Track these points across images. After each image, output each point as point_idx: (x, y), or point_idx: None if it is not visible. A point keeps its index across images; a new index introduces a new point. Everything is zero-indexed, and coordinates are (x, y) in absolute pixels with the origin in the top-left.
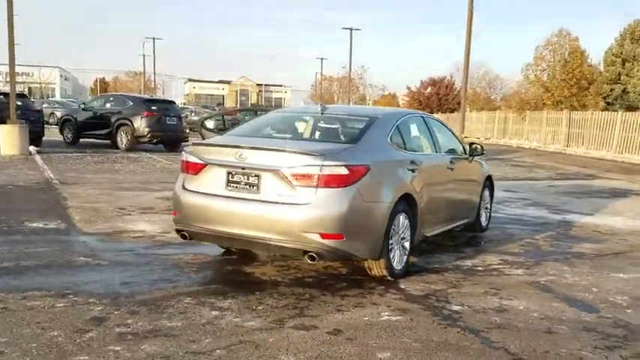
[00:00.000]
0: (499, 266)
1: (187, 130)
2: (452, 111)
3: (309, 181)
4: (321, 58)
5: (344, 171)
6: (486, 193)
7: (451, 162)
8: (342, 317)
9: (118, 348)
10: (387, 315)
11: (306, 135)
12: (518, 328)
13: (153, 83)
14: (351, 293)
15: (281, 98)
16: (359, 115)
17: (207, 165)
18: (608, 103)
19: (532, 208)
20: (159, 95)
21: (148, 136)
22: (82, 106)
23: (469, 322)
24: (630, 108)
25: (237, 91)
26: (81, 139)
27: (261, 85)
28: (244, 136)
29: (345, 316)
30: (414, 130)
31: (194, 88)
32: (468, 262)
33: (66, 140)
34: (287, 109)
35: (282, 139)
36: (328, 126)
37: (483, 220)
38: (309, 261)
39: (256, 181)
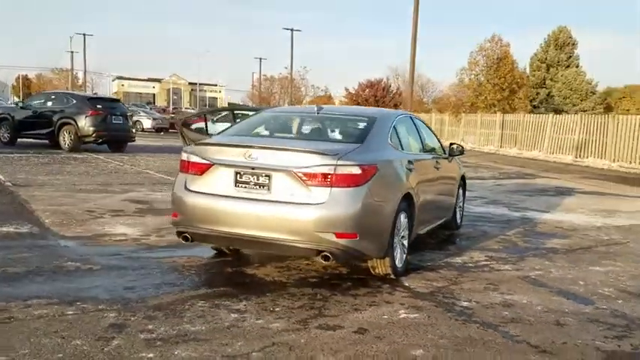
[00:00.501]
0: (487, 262)
1: (134, 130)
2: None
3: (324, 181)
4: (260, 58)
5: (357, 170)
6: (461, 191)
7: (437, 161)
8: (362, 316)
9: (151, 355)
10: (404, 313)
11: (311, 135)
12: (530, 322)
13: (80, 81)
14: (361, 292)
15: (215, 98)
16: (356, 115)
17: (213, 165)
18: (534, 106)
19: (492, 206)
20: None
21: (93, 135)
22: (21, 104)
23: (483, 318)
24: (556, 111)
25: (169, 89)
26: (19, 139)
27: (195, 84)
28: (245, 135)
29: (364, 315)
30: (407, 130)
31: (122, 85)
32: (458, 259)
33: (2, 140)
34: (281, 109)
35: (288, 139)
36: (329, 126)
37: (458, 218)
38: (323, 261)
39: (267, 181)
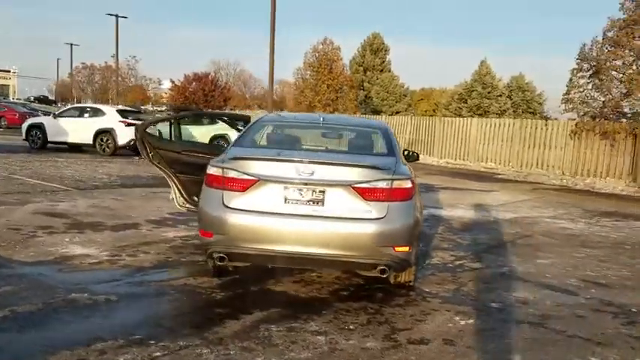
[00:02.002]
0: (458, 262)
1: None
2: (219, 108)
3: (382, 195)
4: (71, 44)
5: (409, 184)
6: None
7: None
8: (429, 327)
9: None
10: (461, 319)
11: (342, 147)
12: (560, 317)
13: None
14: (401, 302)
15: (7, 85)
16: (364, 125)
17: (259, 181)
18: (358, 107)
19: None
20: None
21: None
22: None
23: (521, 317)
24: (375, 112)
25: None
26: None
27: None
28: (271, 148)
29: (430, 325)
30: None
31: None
32: (434, 261)
33: None
34: (283, 118)
35: (321, 152)
36: (351, 137)
37: None
38: (380, 275)
39: (321, 197)
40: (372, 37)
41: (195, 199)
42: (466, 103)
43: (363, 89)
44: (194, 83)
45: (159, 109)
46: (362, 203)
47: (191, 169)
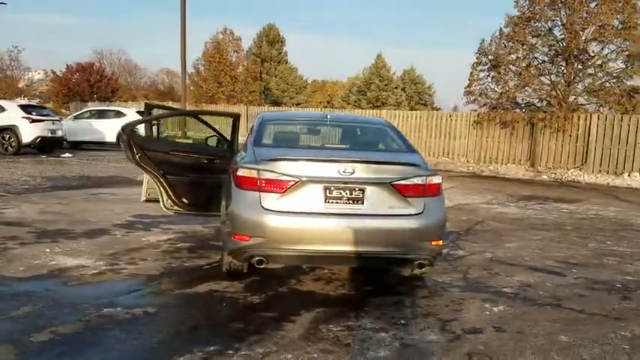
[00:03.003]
0: (451, 251)
1: None
2: (107, 100)
3: (419, 192)
4: None
5: (439, 180)
6: None
7: None
8: (470, 316)
9: None
10: (493, 307)
11: (364, 144)
12: (568, 297)
13: None
14: (425, 294)
15: None
16: (370, 122)
17: (299, 181)
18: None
19: None
20: None
21: None
22: None
23: (537, 299)
24: (275, 103)
25: None
26: None
27: None
28: (295, 147)
29: (469, 315)
30: None
31: None
32: None
33: None
34: (290, 116)
35: (346, 150)
36: (368, 134)
37: None
38: (419, 269)
39: (361, 195)
40: (268, 28)
41: (185, 200)
42: (365, 95)
43: (261, 80)
44: (77, 74)
45: (33, 102)
46: (401, 200)
47: (180, 170)
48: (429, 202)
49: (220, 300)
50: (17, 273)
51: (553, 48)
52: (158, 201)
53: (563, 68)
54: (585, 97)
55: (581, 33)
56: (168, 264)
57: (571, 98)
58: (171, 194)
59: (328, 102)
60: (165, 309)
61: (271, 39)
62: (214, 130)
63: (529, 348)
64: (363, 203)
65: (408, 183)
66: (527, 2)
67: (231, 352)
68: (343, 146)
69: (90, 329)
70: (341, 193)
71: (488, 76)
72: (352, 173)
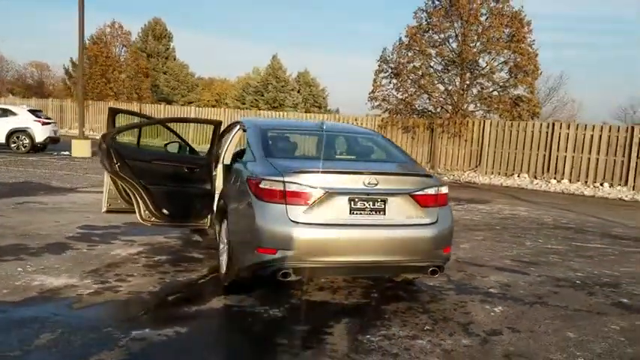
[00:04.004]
0: None
1: None
2: None
3: (433, 202)
4: None
5: (447, 190)
6: None
7: None
8: (483, 318)
9: None
10: (494, 307)
11: (370, 155)
12: (546, 295)
13: None
14: (427, 298)
15: None
16: (365, 132)
17: (325, 193)
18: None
19: None
20: None
21: None
22: None
23: (525, 298)
24: (166, 101)
25: None
26: None
27: None
28: (311, 159)
29: (481, 316)
30: None
31: None
32: None
33: None
34: (286, 124)
35: (359, 161)
36: (368, 144)
37: None
38: (431, 275)
39: (382, 206)
40: (154, 22)
41: (165, 211)
42: (263, 96)
43: (148, 77)
44: None
45: None
46: (418, 210)
47: (162, 179)
48: (441, 212)
49: (243, 315)
50: (5, 296)
51: (448, 58)
52: (120, 212)
53: (457, 77)
54: (478, 104)
55: (472, 45)
56: (161, 279)
57: (465, 105)
58: (149, 205)
59: (217, 101)
60: (195, 328)
61: (157, 34)
62: (178, 135)
63: (551, 346)
64: (385, 214)
65: (425, 193)
66: (425, 14)
67: None
68: (353, 157)
69: (139, 355)
70: (364, 204)
71: (389, 83)
72: (376, 185)
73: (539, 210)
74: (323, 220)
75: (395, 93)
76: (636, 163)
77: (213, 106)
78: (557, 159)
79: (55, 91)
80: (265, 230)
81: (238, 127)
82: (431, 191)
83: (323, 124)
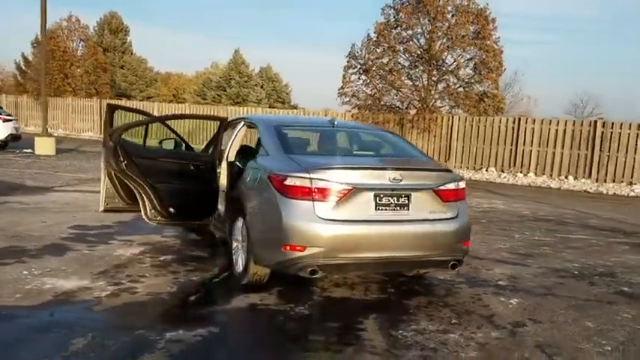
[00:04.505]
0: None
1: None
2: None
3: (453, 197)
4: None
5: (464, 184)
6: None
7: None
8: (502, 310)
9: None
10: (509, 300)
11: (389, 151)
12: (553, 286)
13: None
14: (442, 292)
15: None
16: (375, 129)
17: (352, 190)
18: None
19: None
20: None
21: None
22: None
23: (534, 289)
24: (124, 96)
25: None
26: None
27: None
28: (333, 155)
29: (500, 308)
30: None
31: None
32: None
33: None
34: (298, 121)
35: (378, 157)
36: (384, 140)
37: None
38: (452, 269)
39: (406, 202)
40: (110, 16)
41: (172, 210)
42: (225, 91)
43: (107, 71)
44: None
45: None
46: (440, 205)
47: (168, 177)
48: (461, 206)
49: (271, 313)
50: (20, 301)
51: (416, 54)
52: (117, 211)
53: (424, 74)
54: (446, 99)
55: (439, 41)
56: (175, 279)
57: (432, 101)
58: (156, 204)
59: (174, 95)
60: (227, 328)
61: (114, 28)
62: (175, 132)
63: (575, 335)
64: (408, 209)
65: (446, 188)
66: (393, 10)
67: None
68: (371, 153)
69: (181, 357)
70: (389, 200)
71: (359, 79)
72: (400, 181)
73: (515, 203)
74: (350, 216)
75: (364, 89)
76: (599, 156)
77: (171, 102)
78: (523, 153)
79: (4, 86)
80: (293, 227)
81: (242, 123)
82: (451, 186)
83: (334, 120)
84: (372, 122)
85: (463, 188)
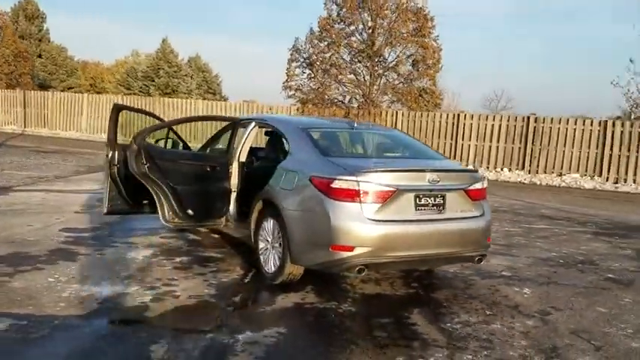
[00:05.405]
0: None
1: None
2: None
3: (480, 196)
4: None
5: (487, 184)
6: None
7: None
8: (523, 300)
9: None
10: (522, 289)
11: (414, 153)
12: (550, 275)
13: None
14: (461, 285)
15: None
16: (390, 130)
17: (396, 191)
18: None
19: None
20: None
21: None
22: None
23: (538, 279)
24: (42, 87)
25: None
26: None
27: None
28: (363, 157)
29: (520, 298)
30: None
31: None
32: None
33: None
34: (321, 123)
35: (409, 158)
36: (402, 141)
37: None
38: (477, 263)
39: (442, 201)
40: (25, 2)
41: (190, 212)
42: (153, 81)
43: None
44: None
45: None
46: (470, 204)
47: (185, 179)
48: (485, 204)
49: (320, 311)
50: (67, 310)
51: (358, 50)
52: (121, 213)
53: (366, 69)
54: (388, 94)
55: (380, 38)
56: (205, 281)
57: (374, 96)
58: (175, 206)
59: (92, 85)
60: (291, 327)
61: (30, 14)
62: (174, 132)
63: (597, 320)
64: (444, 209)
65: (474, 188)
66: (335, 5)
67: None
68: (399, 154)
69: (269, 357)
70: (427, 200)
71: (303, 72)
72: (438, 182)
73: None
74: (393, 216)
75: (308, 82)
76: (531, 149)
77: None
78: (462, 147)
79: None
80: (342, 229)
81: (253, 124)
82: (479, 185)
83: (353, 122)
84: (318, 117)
85: (485, 187)
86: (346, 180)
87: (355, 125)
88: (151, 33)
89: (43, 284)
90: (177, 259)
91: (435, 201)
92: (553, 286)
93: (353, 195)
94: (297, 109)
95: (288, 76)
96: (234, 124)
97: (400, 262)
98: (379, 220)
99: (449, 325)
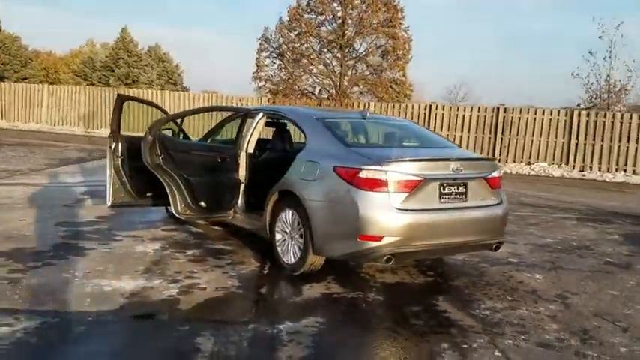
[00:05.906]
0: None
1: None
2: None
3: (497, 184)
4: None
5: (502, 172)
6: None
7: None
8: (539, 285)
9: None
10: (535, 275)
11: (431, 142)
12: (553, 260)
13: None
14: (475, 273)
15: None
16: (402, 120)
17: (423, 181)
18: None
19: None
20: None
21: None
22: None
23: (544, 265)
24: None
25: None
26: None
27: None
28: (386, 147)
29: (537, 283)
30: None
31: None
32: None
33: None
34: (336, 114)
35: (425, 147)
36: (416, 132)
37: None
38: (495, 251)
39: (464, 190)
40: None
41: (203, 204)
42: (113, 72)
43: None
44: None
45: None
46: (489, 192)
47: (197, 171)
48: (502, 192)
49: (349, 300)
50: (95, 306)
51: (328, 40)
52: (125, 206)
53: (336, 59)
54: (360, 85)
55: (351, 28)
56: (225, 273)
57: (345, 87)
58: (188, 198)
59: (45, 76)
60: (329, 318)
61: None
62: (176, 123)
63: (613, 302)
64: (466, 197)
65: (493, 176)
66: None
67: (475, 345)
68: (417, 144)
69: (317, 345)
70: (451, 189)
71: (273, 63)
72: (461, 171)
73: None
74: (420, 206)
75: (279, 73)
76: (501, 139)
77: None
78: None
79: None
80: (371, 218)
81: (261, 115)
82: (496, 174)
83: (365, 112)
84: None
85: (501, 176)
86: (374, 170)
87: (367, 115)
88: (106, 22)
89: (61, 280)
90: (189, 252)
91: (458, 190)
92: (560, 270)
93: (381, 185)
94: (268, 100)
95: (257, 66)
96: (244, 115)
97: (426, 250)
98: (406, 210)
99: (477, 311)
